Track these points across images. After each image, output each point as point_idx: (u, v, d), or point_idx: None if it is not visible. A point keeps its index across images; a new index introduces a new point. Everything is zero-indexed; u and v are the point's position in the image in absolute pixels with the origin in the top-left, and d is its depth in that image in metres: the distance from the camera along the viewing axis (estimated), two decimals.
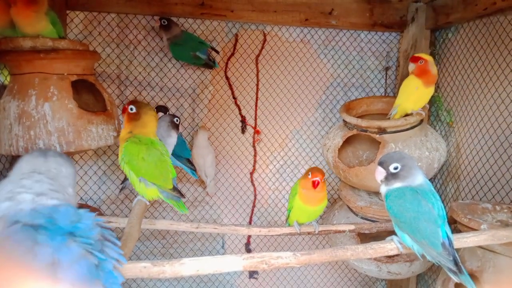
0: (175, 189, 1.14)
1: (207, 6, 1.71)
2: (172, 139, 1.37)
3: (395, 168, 0.93)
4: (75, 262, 0.55)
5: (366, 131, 1.58)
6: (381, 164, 0.96)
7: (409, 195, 0.90)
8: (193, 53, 1.66)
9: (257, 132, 1.92)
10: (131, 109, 1.08)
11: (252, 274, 2.02)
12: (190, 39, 1.66)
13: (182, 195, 1.16)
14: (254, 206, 1.98)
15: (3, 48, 1.23)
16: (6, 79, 1.42)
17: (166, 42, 1.63)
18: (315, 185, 1.20)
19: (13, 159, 1.44)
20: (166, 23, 1.59)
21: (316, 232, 1.36)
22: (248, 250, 2.00)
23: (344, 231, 1.40)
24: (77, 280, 0.53)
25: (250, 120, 1.91)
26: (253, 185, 1.96)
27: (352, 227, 1.40)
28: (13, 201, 0.57)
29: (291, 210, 1.36)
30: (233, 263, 0.76)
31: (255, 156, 1.94)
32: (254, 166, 1.95)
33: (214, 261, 0.76)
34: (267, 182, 1.98)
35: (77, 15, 1.65)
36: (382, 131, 1.55)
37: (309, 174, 1.24)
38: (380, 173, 0.96)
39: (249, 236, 1.99)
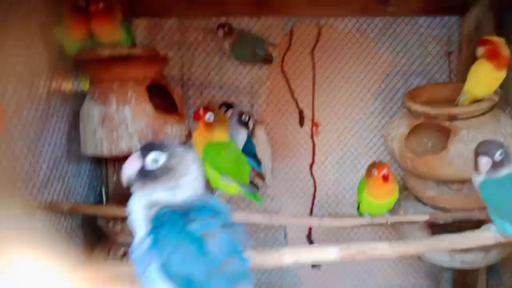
0: (251, 182, 1.18)
1: (264, 3, 1.72)
2: (241, 136, 1.40)
3: (500, 155, 0.89)
4: (219, 236, 0.59)
5: (435, 118, 1.53)
6: (485, 153, 0.93)
7: None
8: (252, 51, 1.69)
9: (316, 124, 1.91)
10: (209, 118, 1.11)
11: (315, 264, 2.03)
12: (248, 38, 1.69)
13: (257, 188, 1.20)
14: (314, 198, 1.98)
15: (84, 58, 1.32)
16: (85, 86, 1.52)
17: (227, 47, 1.65)
18: (386, 179, 1.18)
19: (97, 160, 1.55)
20: (228, 30, 1.61)
21: (389, 223, 1.35)
22: (310, 242, 2.01)
23: (418, 222, 1.38)
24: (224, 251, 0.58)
25: (308, 113, 1.90)
26: (313, 177, 1.96)
27: (426, 217, 1.37)
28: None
29: (360, 204, 1.35)
30: (330, 253, 0.77)
31: (313, 148, 1.94)
32: (313, 158, 1.95)
33: (312, 252, 0.78)
34: (326, 174, 1.97)
35: (141, 22, 1.72)
36: (452, 118, 1.49)
37: (373, 170, 1.22)
38: (487, 163, 0.92)
39: (311, 228, 2.00)
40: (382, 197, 1.23)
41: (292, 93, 1.89)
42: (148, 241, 0.59)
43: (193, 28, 1.76)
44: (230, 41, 1.63)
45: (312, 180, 1.96)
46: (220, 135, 1.13)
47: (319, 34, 1.84)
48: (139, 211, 0.64)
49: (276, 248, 0.77)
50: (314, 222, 1.31)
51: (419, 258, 2.12)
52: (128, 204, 0.65)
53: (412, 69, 1.88)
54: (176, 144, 0.68)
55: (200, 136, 1.15)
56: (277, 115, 1.90)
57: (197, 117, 1.14)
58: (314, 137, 1.93)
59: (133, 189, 0.66)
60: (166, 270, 0.57)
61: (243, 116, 1.39)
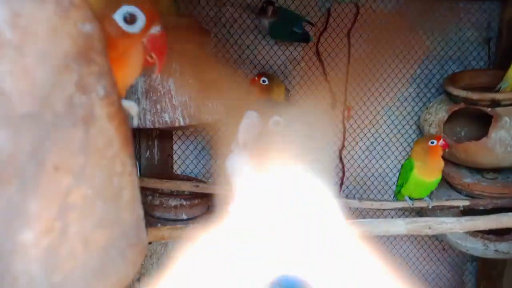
0: None
1: None
2: None
3: None
4: None
5: (476, 104, 1.52)
6: None
7: None
8: (290, 30, 1.66)
9: (348, 108, 1.90)
10: (264, 81, 1.11)
11: None
12: (286, 16, 1.66)
13: None
14: (342, 183, 1.98)
15: None
16: None
17: (266, 25, 1.62)
18: (446, 146, 1.17)
19: (140, 131, 1.54)
20: (272, 8, 1.57)
21: (430, 207, 1.35)
22: None
23: (458, 206, 1.37)
24: None
25: (340, 96, 1.89)
26: (342, 162, 1.96)
27: (467, 202, 1.37)
28: None
29: (404, 186, 1.35)
30: (398, 226, 0.77)
31: (344, 132, 1.93)
32: (343, 143, 1.94)
33: (380, 224, 0.78)
34: (356, 159, 1.96)
35: None
36: (495, 104, 1.48)
37: (431, 142, 1.21)
38: None
39: None
40: (434, 173, 1.22)
41: (325, 75, 1.87)
42: None
43: (229, 4, 1.74)
44: (271, 20, 1.61)
45: (341, 165, 1.96)
46: (277, 99, 1.12)
47: (356, 15, 1.81)
48: None
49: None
50: (354, 203, 1.31)
51: (444, 248, 2.13)
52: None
53: (449, 55, 1.86)
54: None
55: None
56: (310, 97, 1.88)
57: (253, 81, 1.13)
58: (345, 121, 1.92)
59: None
60: None
61: (289, 94, 1.38)
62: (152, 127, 1.31)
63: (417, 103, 1.91)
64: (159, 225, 1.41)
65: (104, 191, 0.23)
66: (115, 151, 0.24)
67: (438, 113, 1.61)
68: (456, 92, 1.54)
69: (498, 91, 1.55)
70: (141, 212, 0.27)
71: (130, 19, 0.44)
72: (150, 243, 0.97)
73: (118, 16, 0.43)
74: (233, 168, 0.65)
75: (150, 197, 1.37)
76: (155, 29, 0.47)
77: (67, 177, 0.21)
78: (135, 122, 0.44)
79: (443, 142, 1.19)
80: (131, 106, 0.43)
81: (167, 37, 0.48)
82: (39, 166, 0.19)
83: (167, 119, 1.29)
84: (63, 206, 0.20)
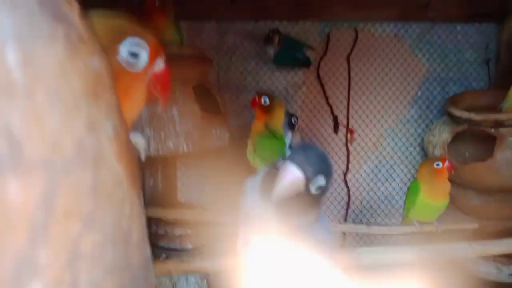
0: None
1: (303, 7, 1.73)
2: (287, 139, 1.39)
3: None
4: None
5: (479, 125, 1.51)
6: None
7: None
8: (293, 56, 1.69)
9: (351, 131, 1.90)
10: (265, 101, 1.11)
11: None
12: (289, 43, 1.69)
13: None
14: (348, 207, 1.95)
15: None
16: None
17: (271, 53, 1.65)
18: (452, 169, 1.16)
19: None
20: (278, 37, 1.60)
21: (439, 230, 1.32)
22: None
23: (467, 230, 1.34)
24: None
25: (342, 120, 1.89)
26: (347, 185, 1.94)
27: (475, 225, 1.34)
28: None
29: (411, 209, 1.32)
30: (408, 253, 0.75)
31: (348, 156, 1.92)
32: (347, 166, 1.93)
33: (390, 252, 0.76)
34: (361, 182, 1.94)
35: (181, 25, 1.73)
36: (498, 125, 1.48)
37: (436, 164, 1.21)
38: None
39: (344, 237, 1.97)
40: (441, 196, 1.20)
41: (327, 99, 1.88)
42: None
43: (231, 32, 1.78)
44: (276, 48, 1.63)
45: (346, 188, 1.94)
46: (277, 122, 1.12)
47: (356, 39, 1.84)
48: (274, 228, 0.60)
49: (353, 247, 0.75)
50: (362, 228, 1.28)
51: (456, 271, 2.07)
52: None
53: (449, 76, 1.88)
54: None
55: (257, 123, 1.14)
56: (312, 121, 1.89)
57: (254, 103, 1.14)
58: (348, 144, 1.91)
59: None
60: None
61: (293, 119, 1.38)
62: (156, 154, 1.31)
63: (419, 125, 1.91)
64: (164, 255, 1.39)
65: (113, 235, 0.22)
66: (124, 192, 0.23)
67: (442, 135, 1.61)
68: (459, 113, 1.54)
69: (500, 111, 1.55)
70: (149, 252, 0.26)
71: (135, 54, 0.44)
72: None
73: (122, 51, 0.43)
74: (252, 206, 0.59)
75: (154, 227, 1.35)
76: (159, 63, 0.48)
77: (77, 223, 0.20)
78: (143, 157, 0.43)
79: (448, 164, 1.18)
80: (138, 141, 0.42)
81: (170, 71, 0.48)
82: (49, 214, 0.18)
83: (171, 146, 1.29)
84: (73, 254, 0.19)
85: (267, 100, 1.12)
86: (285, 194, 0.55)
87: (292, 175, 0.55)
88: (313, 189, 0.57)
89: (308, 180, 0.56)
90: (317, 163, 0.57)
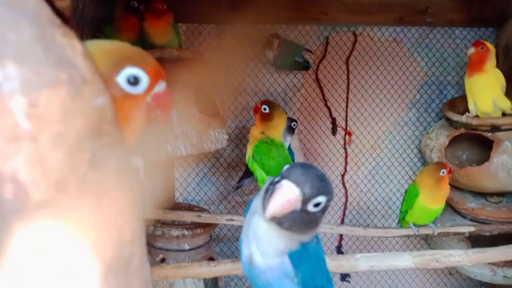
0: None
1: (302, 10, 1.73)
2: (286, 142, 1.40)
3: None
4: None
5: (476, 129, 1.53)
6: None
7: None
8: (293, 59, 1.69)
9: (349, 133, 1.91)
10: (265, 109, 1.12)
11: (345, 277, 2.00)
12: (289, 46, 1.69)
13: None
14: (345, 208, 1.96)
15: None
16: None
17: (271, 57, 1.65)
18: (450, 172, 1.18)
19: None
20: (278, 41, 1.60)
21: (435, 233, 1.33)
22: (340, 252, 1.98)
23: (464, 233, 1.36)
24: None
25: (341, 122, 1.90)
26: (345, 187, 1.95)
27: (472, 228, 1.36)
28: None
29: (408, 212, 1.34)
30: (405, 260, 0.76)
31: (346, 158, 1.93)
32: (345, 168, 1.94)
33: (387, 258, 0.77)
34: (358, 184, 1.96)
35: (181, 27, 1.74)
36: (495, 129, 1.49)
37: (442, 172, 1.22)
38: None
39: (341, 239, 1.98)
40: (440, 201, 1.22)
41: (325, 101, 1.89)
42: (289, 268, 0.60)
43: (230, 35, 1.78)
44: (276, 52, 1.63)
45: (343, 190, 1.95)
46: (274, 132, 1.13)
47: (355, 43, 1.85)
48: (275, 239, 0.59)
49: (351, 254, 0.76)
50: (359, 231, 1.29)
51: (450, 273, 2.09)
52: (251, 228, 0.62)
53: (447, 80, 1.89)
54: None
55: (255, 130, 1.16)
56: (310, 123, 1.89)
57: (256, 109, 1.15)
58: (346, 146, 1.92)
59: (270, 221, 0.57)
60: None
61: (293, 123, 1.39)
62: (154, 157, 1.31)
63: (417, 128, 1.92)
64: (161, 255, 1.40)
65: (115, 264, 0.22)
66: (125, 220, 0.24)
67: (439, 138, 1.62)
68: (456, 117, 1.55)
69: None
70: (148, 275, 0.27)
71: (134, 81, 0.43)
72: None
73: (121, 79, 0.43)
74: (250, 222, 0.58)
75: (152, 228, 1.36)
76: (159, 87, 0.47)
77: (79, 257, 0.20)
78: (142, 175, 0.44)
79: (448, 169, 1.20)
80: (137, 161, 0.42)
81: (171, 93, 0.48)
82: (52, 252, 0.19)
83: (169, 149, 1.30)
84: (77, 285, 0.20)
85: (267, 108, 1.13)
86: (279, 212, 0.53)
87: (287, 193, 0.53)
88: (310, 207, 0.55)
89: (305, 198, 0.54)
90: (315, 179, 0.55)
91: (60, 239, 0.20)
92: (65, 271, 0.20)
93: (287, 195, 0.54)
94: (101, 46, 0.41)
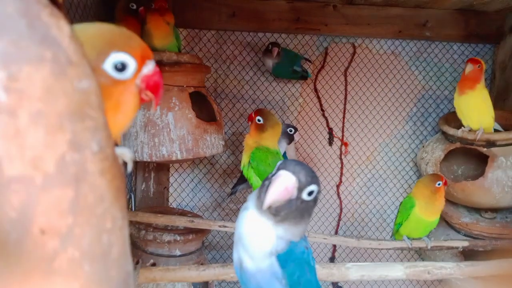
0: None
1: (302, 21, 1.75)
2: (281, 149, 1.39)
3: None
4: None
5: (472, 144, 1.53)
6: None
7: None
8: (292, 68, 1.70)
9: (345, 144, 1.91)
10: (259, 120, 1.12)
11: (335, 285, 1.98)
12: (288, 56, 1.70)
13: None
14: (340, 219, 1.95)
15: None
16: None
17: (270, 66, 1.66)
18: (445, 184, 1.18)
19: (137, 164, 1.53)
20: (271, 47, 1.61)
21: (429, 247, 1.32)
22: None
23: (457, 247, 1.35)
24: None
25: (337, 133, 1.90)
26: (339, 198, 1.94)
27: (466, 243, 1.35)
28: None
29: (403, 224, 1.33)
30: (397, 270, 0.75)
31: (341, 168, 1.93)
32: (340, 178, 1.93)
33: (378, 268, 0.76)
34: (353, 195, 1.95)
35: (181, 32, 1.74)
36: (490, 144, 1.49)
37: (438, 183, 1.22)
38: None
39: (334, 250, 1.96)
40: (436, 213, 1.21)
41: (323, 111, 1.89)
42: (277, 270, 0.60)
43: (230, 42, 1.79)
44: (275, 61, 1.64)
45: (338, 201, 1.94)
46: (268, 142, 1.13)
47: (353, 54, 1.86)
48: (264, 239, 0.60)
49: (343, 263, 0.75)
50: (352, 242, 1.28)
51: (443, 286, 2.07)
52: (242, 223, 0.62)
53: (444, 94, 1.90)
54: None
55: (250, 139, 1.16)
56: (307, 133, 1.89)
57: (250, 118, 1.15)
58: (342, 157, 1.92)
59: (267, 214, 0.60)
60: None
61: (289, 129, 1.39)
62: (149, 160, 1.31)
63: (413, 141, 1.92)
64: (151, 260, 1.38)
65: (92, 251, 0.22)
66: (106, 207, 0.23)
67: (435, 152, 1.62)
68: (452, 131, 1.55)
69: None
70: (130, 267, 0.26)
71: (121, 67, 0.42)
72: None
73: (108, 66, 0.42)
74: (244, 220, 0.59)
75: (143, 232, 1.34)
76: (148, 68, 0.46)
77: (53, 240, 0.20)
78: (130, 169, 0.43)
79: (444, 181, 1.20)
80: (124, 153, 0.42)
81: (160, 72, 0.48)
82: (24, 232, 0.18)
83: (164, 152, 1.29)
84: (48, 272, 0.19)
85: (261, 119, 1.14)
86: (278, 199, 0.56)
87: (285, 180, 0.57)
88: (305, 195, 0.58)
89: (301, 185, 0.57)
90: (308, 170, 0.59)
91: (32, 219, 0.19)
92: (36, 256, 0.19)
93: (285, 182, 0.57)
94: (83, 32, 0.40)
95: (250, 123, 1.18)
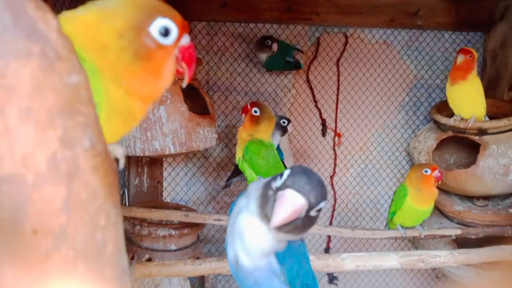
0: None
1: (294, 10, 1.74)
2: (275, 141, 1.40)
3: None
4: None
5: (464, 132, 1.54)
6: None
7: None
8: (284, 60, 1.69)
9: (338, 135, 1.91)
10: (255, 111, 1.12)
11: (332, 279, 2.00)
12: (281, 47, 1.69)
13: None
14: (334, 210, 1.96)
15: None
16: None
17: (263, 59, 1.65)
18: (440, 179, 1.18)
19: (130, 158, 1.52)
20: (270, 43, 1.60)
21: (422, 236, 1.34)
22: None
23: (450, 236, 1.37)
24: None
25: (330, 123, 1.91)
26: (333, 188, 1.95)
27: (458, 231, 1.37)
28: None
29: (396, 213, 1.34)
30: (391, 260, 0.76)
31: (335, 159, 1.94)
32: (334, 169, 1.94)
33: (373, 258, 0.77)
34: (347, 186, 1.96)
35: None
36: (482, 132, 1.51)
37: (424, 170, 1.23)
38: None
39: (329, 241, 1.98)
40: (427, 202, 1.22)
41: (316, 102, 1.89)
42: (276, 267, 0.60)
43: (221, 33, 1.77)
44: (269, 54, 1.63)
45: (332, 192, 1.95)
46: (263, 135, 1.13)
47: (345, 44, 1.86)
48: (264, 243, 0.60)
49: (338, 253, 0.76)
50: (346, 232, 1.29)
51: (437, 276, 2.11)
52: (245, 228, 0.61)
53: (436, 83, 1.91)
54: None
55: (244, 132, 1.15)
56: (300, 124, 1.90)
57: (245, 110, 1.15)
58: (336, 147, 1.93)
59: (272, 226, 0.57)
60: None
61: (282, 120, 1.39)
62: (142, 155, 1.30)
63: (406, 130, 1.93)
64: (147, 255, 1.38)
65: (86, 249, 0.22)
66: (99, 204, 0.23)
67: (427, 141, 1.63)
68: (444, 120, 1.57)
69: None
70: (125, 264, 0.26)
71: (165, 32, 0.44)
72: None
73: (153, 29, 0.44)
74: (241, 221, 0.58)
75: (138, 227, 1.34)
76: (185, 40, 0.48)
77: (46, 240, 0.20)
78: (122, 165, 0.43)
79: (438, 174, 1.21)
80: (115, 149, 0.42)
81: (194, 47, 0.49)
82: (16, 232, 0.18)
83: (157, 147, 1.28)
84: (41, 272, 0.19)
85: (258, 111, 1.13)
86: (285, 221, 0.54)
87: (294, 203, 0.54)
88: (313, 213, 0.57)
89: (310, 207, 0.55)
90: (318, 188, 0.56)
91: (24, 218, 0.19)
92: (29, 257, 0.19)
93: (294, 205, 0.54)
94: None
95: (243, 115, 1.18)
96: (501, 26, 1.79)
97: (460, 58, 1.44)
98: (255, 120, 1.13)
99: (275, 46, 1.56)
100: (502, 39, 1.80)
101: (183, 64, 0.48)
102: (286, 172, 0.58)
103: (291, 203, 0.54)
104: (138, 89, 0.43)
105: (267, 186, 0.59)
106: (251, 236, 0.59)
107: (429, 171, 1.21)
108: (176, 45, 0.47)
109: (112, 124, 0.39)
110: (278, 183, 0.57)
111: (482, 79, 1.92)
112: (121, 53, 0.42)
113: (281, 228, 0.55)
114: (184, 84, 0.52)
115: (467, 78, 1.45)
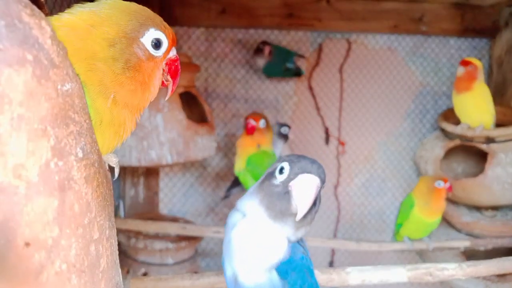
0: None
1: (295, 16, 1.75)
2: (278, 150, 1.40)
3: None
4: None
5: (471, 141, 1.54)
6: None
7: None
8: (283, 66, 1.70)
9: (342, 143, 1.91)
10: (264, 124, 1.13)
11: None
12: (279, 53, 1.71)
13: None
14: (338, 222, 1.96)
15: None
16: None
17: (261, 65, 1.66)
18: (450, 190, 1.19)
19: (125, 170, 1.52)
20: (269, 48, 1.61)
21: (430, 249, 1.33)
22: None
23: (459, 248, 1.36)
24: None
25: (334, 131, 1.91)
26: (337, 199, 1.95)
27: (467, 243, 1.36)
28: None
29: (403, 225, 1.34)
30: (398, 273, 0.75)
31: (339, 169, 1.93)
32: (338, 179, 1.94)
33: (379, 272, 0.76)
34: (351, 196, 1.96)
35: None
36: (490, 140, 1.51)
37: (437, 183, 1.23)
38: None
39: (333, 254, 1.97)
40: (435, 213, 1.22)
41: (318, 110, 1.90)
42: (278, 283, 0.60)
43: (220, 39, 1.79)
44: (266, 60, 1.64)
45: (336, 203, 1.95)
46: (269, 142, 1.14)
47: (348, 50, 1.87)
48: (275, 250, 0.59)
49: (342, 267, 0.76)
50: (351, 245, 1.29)
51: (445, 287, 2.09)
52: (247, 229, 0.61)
53: (442, 90, 1.91)
54: None
55: (249, 142, 1.16)
56: (303, 132, 1.90)
57: (252, 129, 1.16)
58: (339, 156, 1.93)
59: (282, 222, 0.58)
60: None
61: (283, 128, 1.39)
62: (138, 165, 1.30)
63: (412, 138, 1.93)
64: (143, 269, 1.37)
65: (79, 263, 0.21)
66: (92, 217, 0.23)
67: (434, 150, 1.63)
68: (451, 128, 1.57)
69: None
70: (119, 279, 0.26)
71: (157, 44, 0.46)
72: None
73: (146, 40, 0.45)
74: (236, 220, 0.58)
75: (133, 240, 1.33)
76: (173, 53, 0.49)
77: (39, 253, 0.19)
78: (116, 174, 0.43)
79: (449, 186, 1.21)
80: (109, 158, 0.42)
81: (179, 60, 0.51)
82: (8, 244, 0.18)
83: (153, 156, 1.28)
84: (34, 286, 0.19)
85: (265, 124, 1.15)
86: (309, 206, 0.55)
87: (313, 184, 0.56)
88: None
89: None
90: (319, 164, 0.58)
91: (15, 231, 0.19)
92: (21, 270, 0.19)
93: (314, 186, 0.56)
94: (124, 5, 0.44)
95: (247, 126, 1.18)
96: (506, 32, 1.81)
97: (460, 70, 1.47)
98: (263, 132, 1.15)
99: (266, 50, 1.57)
100: (507, 45, 1.81)
101: (169, 77, 0.50)
102: (283, 165, 0.59)
103: (311, 185, 0.55)
104: (126, 99, 0.44)
105: (265, 188, 0.59)
106: (257, 244, 0.59)
107: (442, 184, 1.21)
108: (165, 57, 0.48)
109: (102, 137, 0.39)
110: (281, 177, 0.58)
111: (488, 86, 1.93)
112: (111, 62, 0.42)
113: (304, 217, 0.56)
114: (167, 97, 0.54)
115: (471, 87, 1.46)
